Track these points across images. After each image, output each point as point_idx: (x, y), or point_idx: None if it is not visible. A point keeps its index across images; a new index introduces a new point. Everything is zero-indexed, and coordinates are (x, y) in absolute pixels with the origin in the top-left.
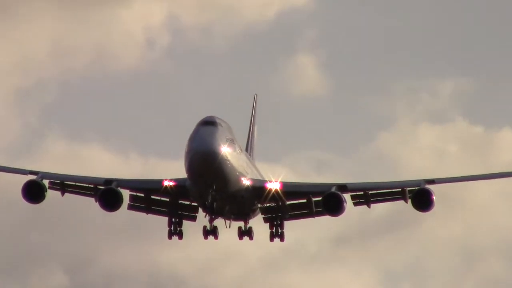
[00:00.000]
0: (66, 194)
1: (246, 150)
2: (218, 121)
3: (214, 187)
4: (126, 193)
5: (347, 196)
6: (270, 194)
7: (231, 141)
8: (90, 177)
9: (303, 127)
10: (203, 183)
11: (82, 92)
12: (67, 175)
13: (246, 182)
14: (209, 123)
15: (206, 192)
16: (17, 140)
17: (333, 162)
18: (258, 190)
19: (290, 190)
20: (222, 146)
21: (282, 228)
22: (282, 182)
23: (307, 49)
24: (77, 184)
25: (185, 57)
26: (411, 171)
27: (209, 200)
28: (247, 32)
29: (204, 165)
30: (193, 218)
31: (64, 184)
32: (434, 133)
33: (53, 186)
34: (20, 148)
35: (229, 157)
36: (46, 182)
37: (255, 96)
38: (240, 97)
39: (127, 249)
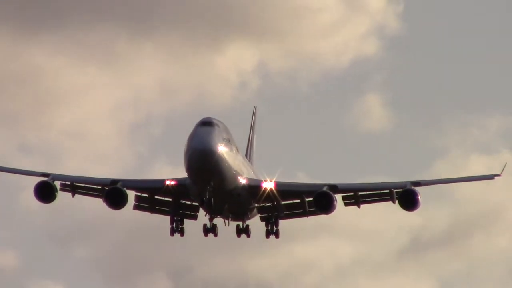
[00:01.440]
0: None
1: (246, 157)
2: (215, 121)
3: (212, 183)
4: (132, 195)
5: (338, 197)
6: (265, 193)
7: (228, 141)
8: (97, 178)
9: (368, 156)
10: (201, 180)
11: (185, 126)
12: (75, 176)
13: (242, 180)
14: (206, 123)
15: (204, 189)
16: (129, 166)
17: None
18: (253, 189)
19: (284, 189)
20: (219, 145)
21: (277, 225)
22: (276, 181)
23: (374, 91)
24: (86, 185)
25: (272, 98)
26: (465, 196)
27: (207, 196)
28: (325, 77)
29: (202, 162)
30: (194, 217)
31: (74, 186)
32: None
33: (64, 188)
34: (131, 173)
35: (226, 156)
36: (57, 184)
37: (255, 108)
38: (318, 133)
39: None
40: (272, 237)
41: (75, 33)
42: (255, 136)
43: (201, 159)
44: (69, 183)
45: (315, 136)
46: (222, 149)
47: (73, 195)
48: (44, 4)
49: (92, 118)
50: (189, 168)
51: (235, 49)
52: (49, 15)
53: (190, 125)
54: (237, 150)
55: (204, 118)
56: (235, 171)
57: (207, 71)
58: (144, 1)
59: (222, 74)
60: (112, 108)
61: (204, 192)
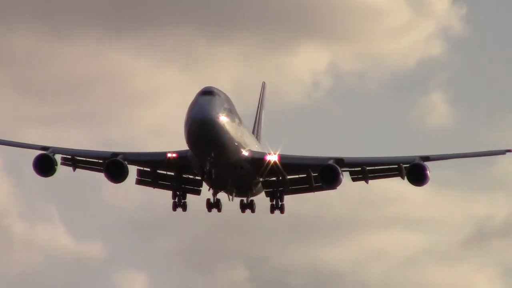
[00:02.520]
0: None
1: (254, 129)
2: (216, 91)
3: (212, 155)
4: (134, 170)
5: (346, 173)
6: (269, 166)
7: (229, 111)
8: (98, 151)
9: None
10: (201, 151)
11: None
12: (76, 149)
13: (245, 153)
14: (207, 93)
15: (205, 161)
16: None
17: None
18: (256, 162)
19: (288, 162)
20: (220, 114)
21: (282, 200)
22: (280, 154)
23: (438, 90)
24: (87, 159)
25: (343, 96)
26: None
27: (207, 167)
28: (393, 76)
29: (202, 132)
30: (198, 192)
31: (74, 160)
32: None
33: (65, 162)
34: None
35: (227, 126)
36: (58, 157)
37: (263, 84)
38: (386, 129)
39: None
40: (277, 212)
41: (156, 36)
42: (263, 113)
43: (201, 128)
44: (69, 156)
45: (381, 133)
46: (223, 119)
47: (74, 169)
48: (126, 8)
49: (171, 118)
50: (188, 138)
51: (307, 50)
52: (132, 19)
53: (265, 125)
54: (240, 121)
55: (205, 87)
56: (237, 142)
57: (281, 72)
58: (222, 5)
59: (295, 75)
60: None
61: (205, 164)
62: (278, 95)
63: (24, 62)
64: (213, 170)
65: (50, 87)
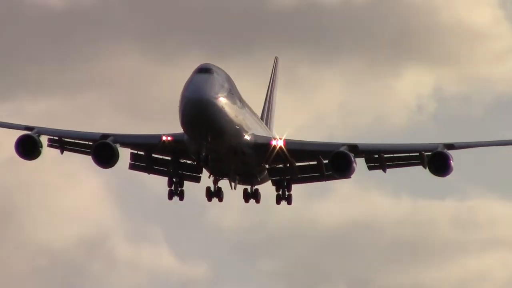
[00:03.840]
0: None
1: (263, 116)
2: (214, 68)
3: (209, 139)
4: (127, 153)
5: (361, 160)
6: (274, 152)
7: (229, 92)
8: (86, 132)
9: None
10: (196, 134)
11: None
12: (63, 130)
13: (247, 137)
14: (204, 70)
15: (201, 145)
16: None
17: None
18: (260, 147)
19: (295, 148)
20: (218, 94)
21: (289, 190)
22: (286, 139)
23: None
24: (75, 141)
25: (448, 120)
26: None
27: (203, 153)
28: (498, 100)
29: (197, 113)
30: (197, 179)
31: (62, 141)
32: None
33: (52, 143)
34: None
35: (226, 107)
36: (44, 139)
37: (276, 59)
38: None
39: None
40: (283, 203)
41: (259, 58)
42: (275, 92)
43: (196, 110)
44: (57, 138)
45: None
46: (221, 100)
47: (61, 152)
48: (232, 30)
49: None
50: (182, 121)
51: (412, 73)
52: (234, 41)
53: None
54: (241, 103)
55: (201, 64)
56: (238, 126)
57: (386, 95)
58: (326, 28)
59: (399, 98)
60: (296, 130)
61: (201, 149)
62: (382, 118)
63: (128, 83)
64: (209, 156)
65: (155, 109)
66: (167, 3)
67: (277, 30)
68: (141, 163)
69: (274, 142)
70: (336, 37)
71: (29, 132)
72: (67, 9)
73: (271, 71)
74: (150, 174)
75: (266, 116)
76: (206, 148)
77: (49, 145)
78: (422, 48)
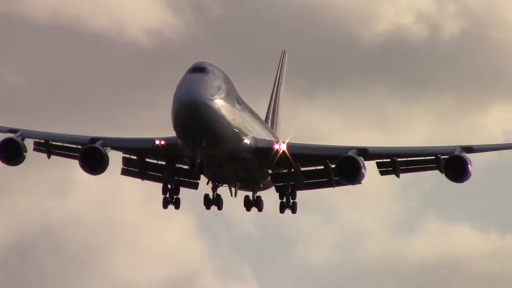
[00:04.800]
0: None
1: (268, 113)
2: (209, 67)
3: (204, 144)
4: (119, 157)
5: (371, 163)
6: (277, 157)
7: (226, 93)
8: (74, 135)
9: None
10: (191, 139)
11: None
12: (49, 133)
13: (246, 141)
14: (198, 69)
15: (195, 151)
16: None
17: None
18: (261, 152)
19: (299, 152)
20: (213, 96)
21: (294, 197)
22: (289, 143)
23: None
24: (63, 145)
25: None
26: None
27: (198, 160)
28: None
29: (190, 116)
30: (195, 186)
31: (49, 145)
32: None
33: (38, 147)
34: None
35: (222, 110)
36: (30, 142)
37: (282, 52)
38: None
39: None
40: (288, 212)
41: (348, 95)
42: (282, 88)
43: (189, 112)
44: (43, 141)
45: None
46: (217, 101)
47: (48, 156)
48: (323, 66)
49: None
50: (175, 124)
51: (500, 110)
52: (328, 77)
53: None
54: (240, 105)
55: (196, 63)
56: (236, 129)
57: (474, 131)
58: (414, 65)
59: (487, 134)
60: None
61: (195, 154)
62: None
63: None
64: (206, 163)
65: None
66: (257, 41)
67: (365, 67)
68: (134, 168)
69: (276, 146)
70: (423, 73)
71: (12, 135)
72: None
73: (278, 67)
74: (144, 180)
75: (271, 115)
76: (201, 154)
77: (35, 149)
78: (510, 84)
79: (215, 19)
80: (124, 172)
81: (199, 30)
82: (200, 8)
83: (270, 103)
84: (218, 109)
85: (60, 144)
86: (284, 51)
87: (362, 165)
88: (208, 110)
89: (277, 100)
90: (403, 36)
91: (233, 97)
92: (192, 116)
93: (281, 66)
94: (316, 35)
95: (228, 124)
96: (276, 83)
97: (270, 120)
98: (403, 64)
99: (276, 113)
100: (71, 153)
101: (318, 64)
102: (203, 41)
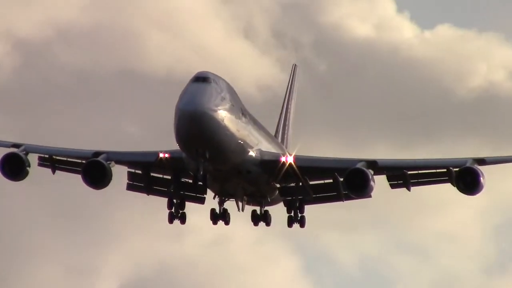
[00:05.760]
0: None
1: (278, 128)
2: (212, 77)
3: (207, 156)
4: (124, 172)
5: (381, 178)
6: (284, 170)
7: (230, 103)
8: (78, 150)
9: None
10: (193, 151)
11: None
12: (53, 147)
13: (252, 153)
14: (200, 79)
15: (198, 163)
16: None
17: None
18: (267, 164)
19: (307, 164)
20: (216, 106)
21: (302, 212)
22: (296, 155)
23: None
24: (67, 159)
25: None
26: None
27: (201, 172)
28: None
29: (192, 127)
30: (201, 200)
31: (53, 160)
32: None
33: (42, 162)
34: None
35: (225, 121)
36: (34, 157)
37: (294, 66)
38: None
39: None
40: (296, 226)
41: (445, 146)
42: (292, 102)
43: (191, 123)
44: (47, 156)
45: None
46: (220, 112)
47: (53, 172)
48: (419, 118)
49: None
50: (177, 135)
51: None
52: (422, 128)
53: None
54: (245, 116)
55: (198, 72)
56: (241, 141)
57: None
58: (504, 116)
59: None
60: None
61: (199, 167)
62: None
63: None
64: (210, 175)
65: None
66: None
67: (459, 120)
68: (139, 183)
69: (283, 159)
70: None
71: (15, 150)
72: None
73: (288, 80)
74: (150, 195)
75: (283, 126)
76: (205, 167)
77: (40, 164)
78: None
79: (320, 75)
80: (129, 187)
81: (304, 84)
82: (306, 64)
83: (280, 118)
84: (221, 120)
85: (65, 159)
86: (295, 64)
87: (370, 177)
88: (210, 121)
89: (288, 114)
90: (496, 92)
91: (237, 108)
92: (194, 126)
93: (291, 80)
94: (414, 89)
95: (232, 136)
96: (287, 97)
97: (281, 133)
98: (496, 118)
99: (287, 127)
100: (75, 168)
101: (415, 116)
102: (307, 95)
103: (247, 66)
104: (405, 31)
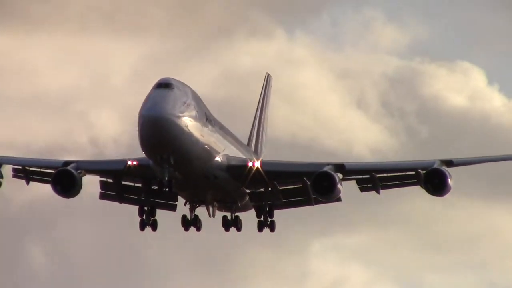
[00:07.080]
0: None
1: (250, 137)
2: (175, 83)
3: (172, 162)
4: (96, 182)
5: (351, 183)
6: (251, 174)
7: (193, 109)
8: (49, 159)
9: None
10: (158, 158)
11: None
12: (24, 158)
13: (218, 159)
14: (163, 85)
15: (163, 169)
16: None
17: None
18: (234, 169)
19: (274, 169)
20: (180, 112)
21: (271, 216)
22: (263, 160)
23: None
24: (40, 170)
25: None
26: None
27: (166, 178)
28: None
29: (153, 133)
30: (173, 207)
31: (26, 171)
32: None
33: (16, 174)
34: None
35: (189, 127)
36: (8, 168)
37: (267, 76)
38: None
39: None
40: (266, 230)
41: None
42: (266, 111)
43: (154, 129)
44: (20, 167)
45: None
46: (184, 118)
47: (27, 182)
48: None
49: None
50: (141, 142)
51: None
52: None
53: None
54: (210, 121)
55: (161, 79)
56: (206, 146)
57: None
58: None
59: None
60: None
61: (164, 173)
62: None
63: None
64: (176, 181)
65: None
66: None
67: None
68: (111, 192)
69: (250, 164)
70: None
71: None
72: None
73: (261, 89)
74: (122, 204)
75: (256, 135)
76: (171, 173)
77: (14, 176)
78: None
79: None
80: (102, 196)
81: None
82: (409, 130)
83: (253, 126)
84: (185, 125)
85: (37, 169)
86: (268, 74)
87: (337, 180)
88: (173, 127)
89: (261, 123)
90: None
91: (201, 114)
92: (157, 133)
93: (264, 88)
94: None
95: (196, 142)
96: (260, 107)
97: (254, 142)
98: None
99: (260, 135)
100: (47, 178)
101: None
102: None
103: (361, 131)
104: (495, 101)
